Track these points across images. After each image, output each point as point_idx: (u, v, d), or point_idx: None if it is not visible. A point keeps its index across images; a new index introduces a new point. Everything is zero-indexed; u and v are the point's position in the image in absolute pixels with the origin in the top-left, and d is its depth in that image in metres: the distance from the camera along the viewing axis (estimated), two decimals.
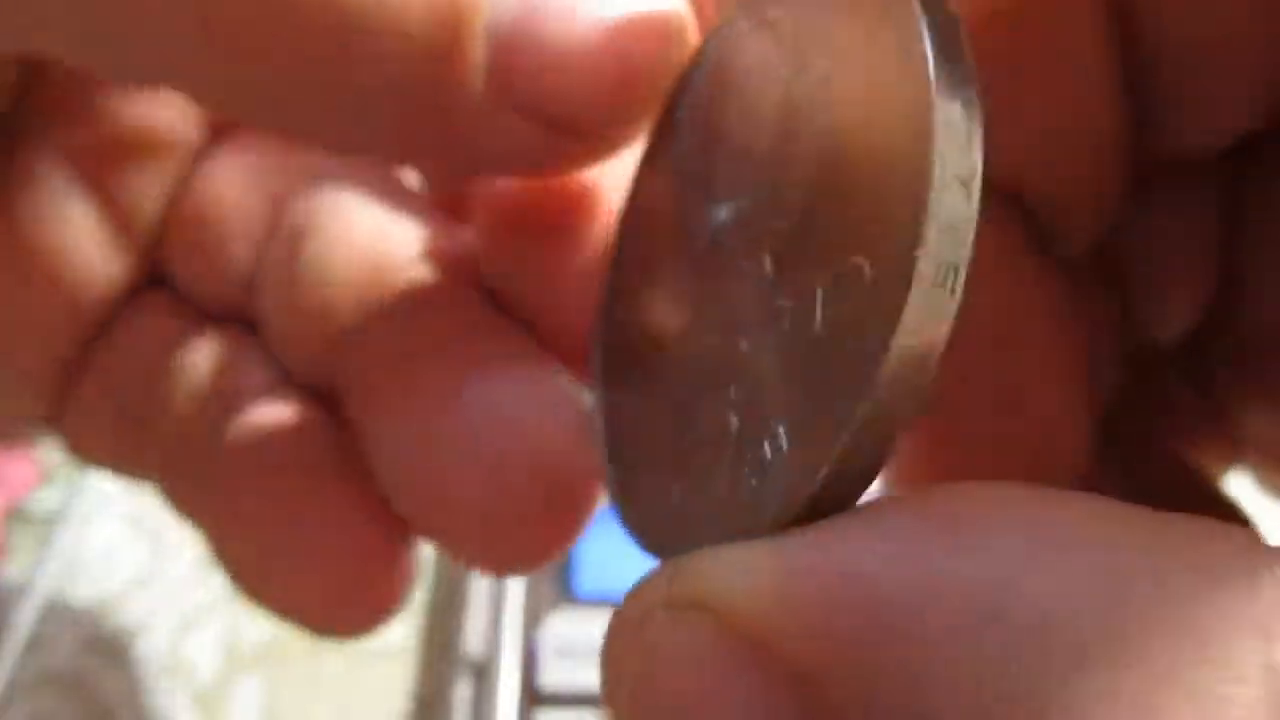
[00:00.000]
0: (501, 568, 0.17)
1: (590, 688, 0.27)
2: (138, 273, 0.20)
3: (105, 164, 0.19)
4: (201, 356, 0.19)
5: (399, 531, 0.17)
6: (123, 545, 0.33)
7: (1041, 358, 0.16)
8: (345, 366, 0.18)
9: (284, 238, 0.19)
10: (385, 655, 0.31)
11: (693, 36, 0.14)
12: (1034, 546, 0.09)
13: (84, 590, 0.32)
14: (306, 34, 0.13)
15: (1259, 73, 0.15)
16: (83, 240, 0.19)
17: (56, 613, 0.32)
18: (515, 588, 0.29)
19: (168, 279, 0.20)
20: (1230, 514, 0.19)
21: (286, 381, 0.19)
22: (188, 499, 0.19)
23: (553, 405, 0.16)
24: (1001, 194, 0.15)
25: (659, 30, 0.14)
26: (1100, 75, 0.15)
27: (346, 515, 0.17)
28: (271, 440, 0.18)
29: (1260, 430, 0.19)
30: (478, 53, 0.13)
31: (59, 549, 0.33)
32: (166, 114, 0.19)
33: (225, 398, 0.19)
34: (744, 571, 0.10)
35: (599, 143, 0.14)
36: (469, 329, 0.17)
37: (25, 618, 0.32)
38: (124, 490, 0.34)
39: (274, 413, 0.18)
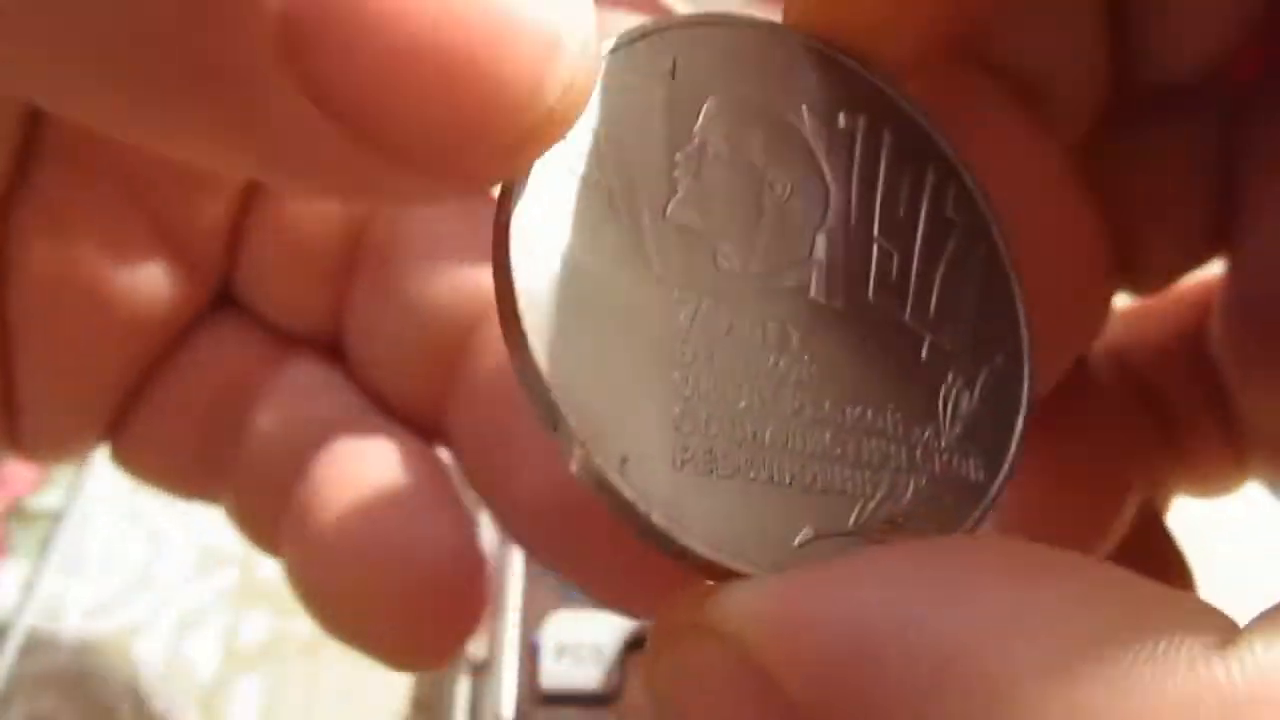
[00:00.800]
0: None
1: (590, 688, 0.27)
2: (204, 293, 0.20)
3: (164, 183, 0.19)
4: (285, 380, 0.19)
5: (481, 562, 0.17)
6: (123, 545, 0.33)
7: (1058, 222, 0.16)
8: (455, 405, 0.18)
9: (372, 261, 0.19)
10: None
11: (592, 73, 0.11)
12: (1009, 616, 0.10)
13: (84, 590, 0.32)
14: None
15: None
16: (143, 261, 0.19)
17: (56, 613, 0.32)
18: (515, 588, 0.29)
19: (241, 300, 0.20)
20: (1169, 552, 0.20)
21: (377, 409, 0.19)
22: (265, 523, 0.19)
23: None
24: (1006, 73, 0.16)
25: (549, 44, 0.10)
26: None
27: (442, 547, 0.17)
28: (369, 469, 0.17)
29: (1269, 421, 0.19)
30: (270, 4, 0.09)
31: (59, 549, 0.33)
32: None
33: (313, 423, 0.18)
34: (756, 606, 0.11)
35: (439, 180, 0.11)
36: None
37: (25, 618, 0.32)
38: (124, 490, 0.34)
39: (371, 443, 0.18)
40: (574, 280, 0.12)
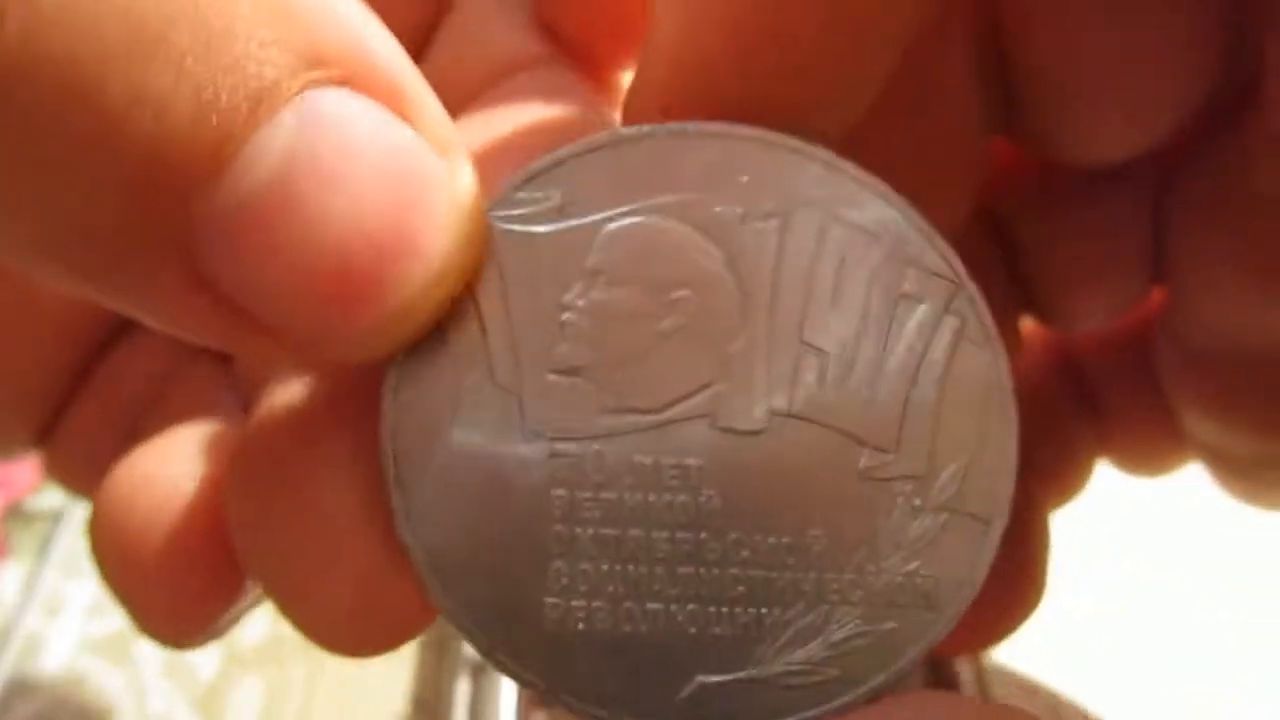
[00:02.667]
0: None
1: None
2: None
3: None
4: (191, 386, 0.19)
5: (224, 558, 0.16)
6: None
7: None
8: None
9: None
10: (385, 655, 0.31)
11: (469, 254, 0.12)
12: None
13: (84, 590, 0.32)
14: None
15: (1129, 104, 0.16)
16: None
17: (56, 613, 0.32)
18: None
19: None
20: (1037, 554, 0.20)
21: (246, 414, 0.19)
22: None
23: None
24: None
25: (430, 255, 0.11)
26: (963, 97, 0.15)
27: (188, 527, 0.16)
28: (168, 465, 0.17)
29: (1206, 434, 0.20)
30: (196, 207, 0.10)
31: (59, 549, 0.33)
32: None
33: (187, 415, 0.18)
34: None
35: (313, 362, 0.13)
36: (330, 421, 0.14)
37: (25, 618, 0.32)
38: None
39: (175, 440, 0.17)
40: (447, 454, 0.12)
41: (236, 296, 0.11)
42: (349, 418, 0.13)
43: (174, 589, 0.16)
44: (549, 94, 0.16)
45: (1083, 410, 0.21)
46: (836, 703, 0.12)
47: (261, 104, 0.10)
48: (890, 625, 0.12)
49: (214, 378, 0.19)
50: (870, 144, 0.13)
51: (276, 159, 0.10)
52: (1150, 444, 0.21)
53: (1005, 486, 0.13)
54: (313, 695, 0.31)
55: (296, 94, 0.10)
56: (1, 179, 0.10)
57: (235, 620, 0.17)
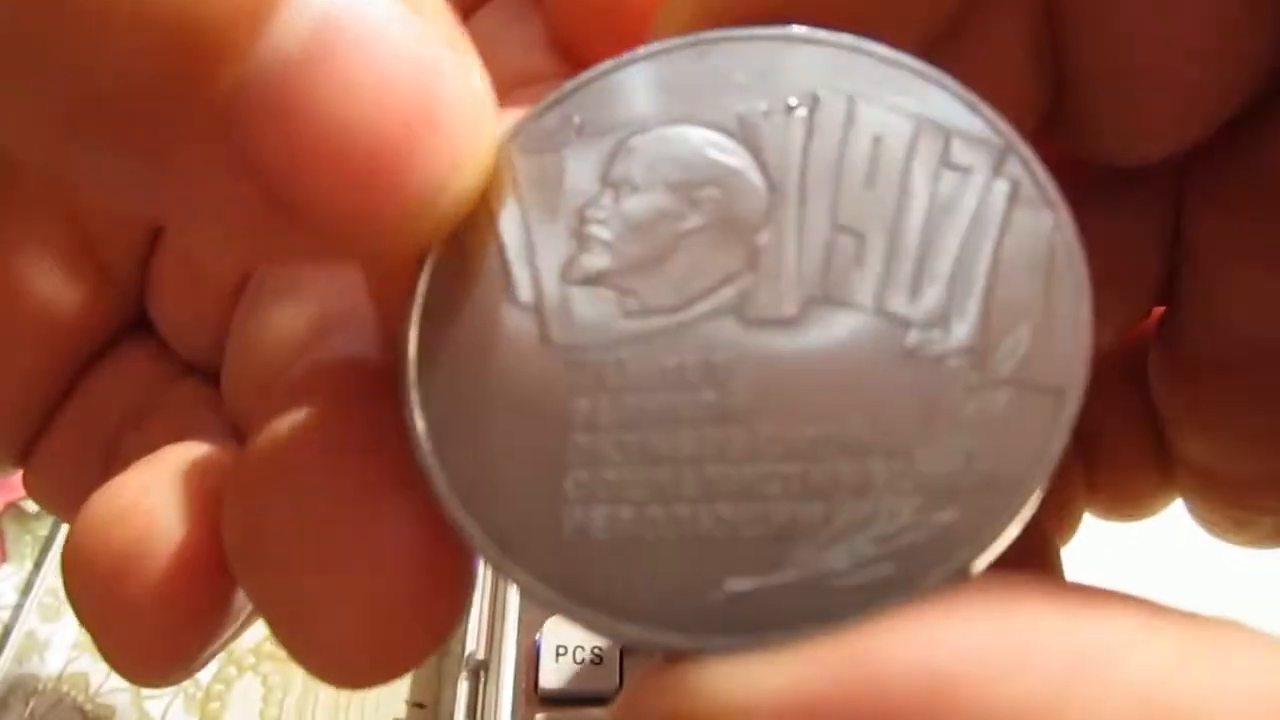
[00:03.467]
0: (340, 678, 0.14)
1: (589, 689, 0.28)
2: (120, 316, 0.19)
3: (86, 212, 0.18)
4: (174, 408, 0.19)
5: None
6: None
7: None
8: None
9: (249, 291, 0.18)
10: None
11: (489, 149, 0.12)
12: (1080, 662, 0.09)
13: None
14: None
15: (1183, 95, 0.15)
16: (61, 282, 0.18)
17: (56, 613, 0.32)
18: (515, 590, 0.29)
19: (153, 325, 0.20)
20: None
21: (233, 438, 0.18)
22: None
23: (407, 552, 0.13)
24: None
25: (467, 133, 0.11)
26: (1023, 84, 0.15)
27: (172, 556, 0.15)
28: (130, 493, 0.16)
29: (1201, 454, 0.20)
30: (230, 77, 0.10)
31: (58, 549, 0.33)
32: None
33: (172, 437, 0.17)
34: (746, 695, 0.10)
35: (335, 251, 0.12)
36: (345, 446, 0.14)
37: (24, 618, 0.32)
38: None
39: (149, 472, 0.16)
40: (466, 356, 0.12)
41: (269, 173, 0.11)
42: (362, 429, 0.13)
43: (149, 629, 0.15)
44: None
45: (1076, 451, 0.21)
46: (890, 604, 0.10)
47: None
48: (949, 515, 0.11)
49: (198, 400, 0.19)
50: None
51: (310, 26, 0.10)
52: (1137, 480, 0.21)
53: (1080, 353, 0.11)
54: (312, 695, 0.31)
55: None
56: (38, 57, 0.10)
57: (208, 661, 0.16)
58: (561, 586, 0.11)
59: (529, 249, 0.12)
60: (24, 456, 0.20)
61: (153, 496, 0.15)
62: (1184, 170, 0.17)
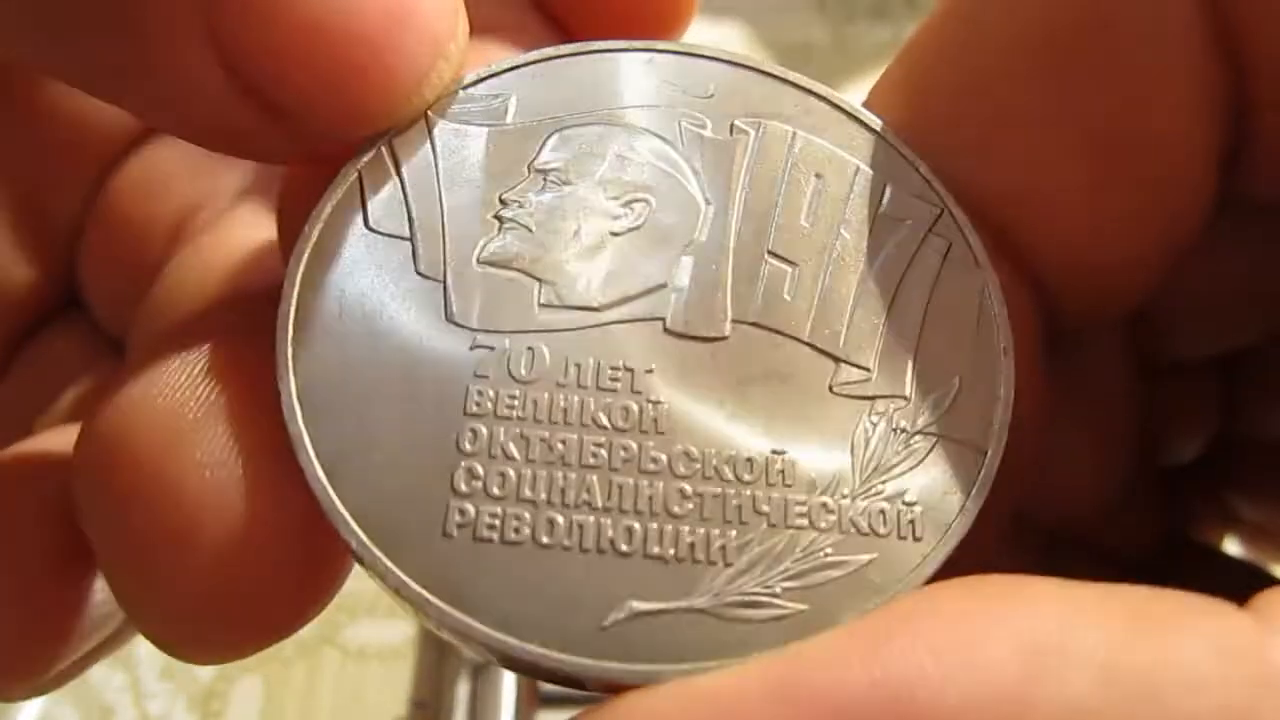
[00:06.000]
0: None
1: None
2: (54, 290, 0.19)
3: (19, 178, 0.18)
4: (95, 383, 0.18)
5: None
6: None
7: None
8: None
9: (163, 278, 0.18)
10: (385, 655, 0.31)
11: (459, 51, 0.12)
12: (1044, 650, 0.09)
13: None
14: None
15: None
16: (5, 253, 0.18)
17: None
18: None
19: (84, 302, 0.19)
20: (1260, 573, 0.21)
21: None
22: None
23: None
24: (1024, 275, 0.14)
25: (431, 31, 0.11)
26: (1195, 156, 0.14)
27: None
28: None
29: (1250, 519, 0.21)
30: None
31: None
32: (83, 122, 0.18)
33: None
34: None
35: (311, 135, 0.12)
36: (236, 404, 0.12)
37: None
38: None
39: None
40: (352, 321, 0.11)
41: (249, 65, 0.11)
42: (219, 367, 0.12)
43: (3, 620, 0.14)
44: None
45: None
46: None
47: None
48: (868, 557, 0.11)
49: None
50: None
51: None
52: (1205, 528, 0.22)
53: (1000, 416, 0.11)
54: (312, 695, 0.31)
55: None
56: None
57: (75, 673, 0.15)
58: (436, 586, 0.10)
59: (440, 219, 0.12)
60: None
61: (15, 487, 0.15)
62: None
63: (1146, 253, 0.13)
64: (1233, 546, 0.23)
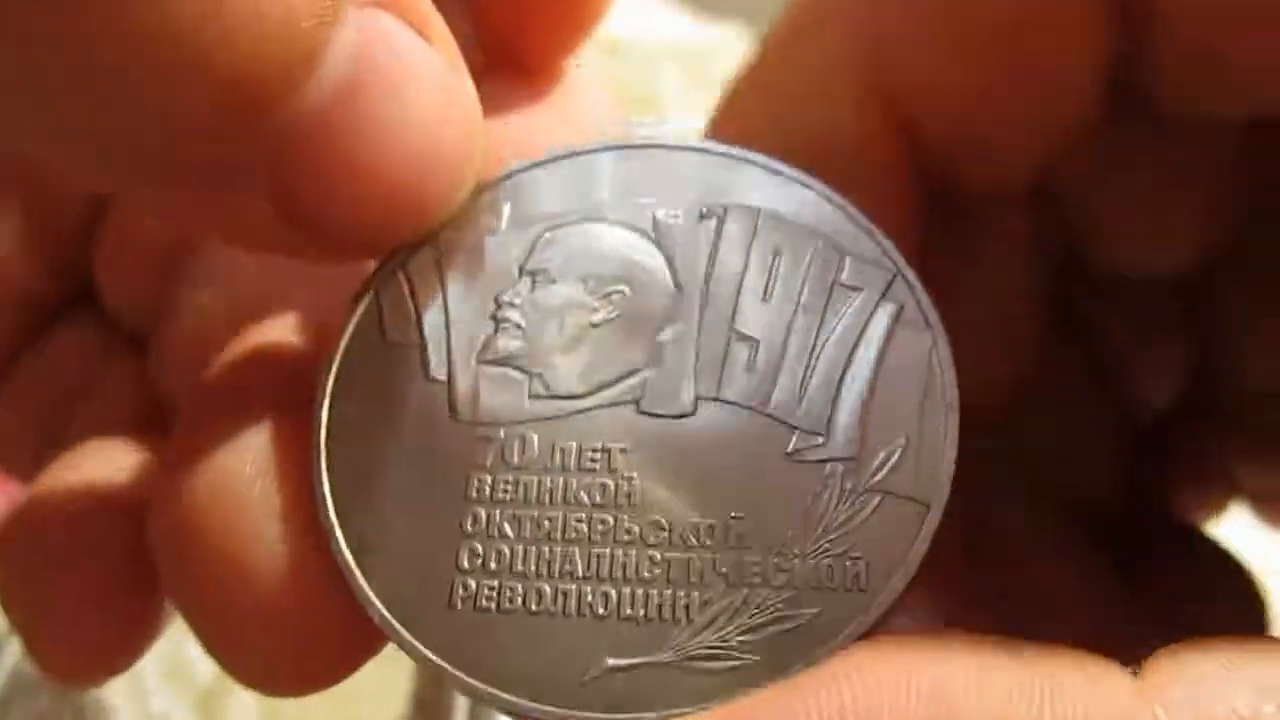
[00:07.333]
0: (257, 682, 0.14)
1: None
2: (66, 287, 0.20)
3: (31, 174, 0.19)
4: (105, 391, 0.19)
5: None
6: None
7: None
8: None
9: (185, 270, 0.18)
10: (385, 655, 0.31)
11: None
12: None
13: None
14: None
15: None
16: (9, 253, 0.19)
17: None
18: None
19: (97, 294, 0.20)
20: (1228, 563, 0.20)
21: (157, 413, 0.18)
22: None
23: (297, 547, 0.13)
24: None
25: (453, 170, 0.13)
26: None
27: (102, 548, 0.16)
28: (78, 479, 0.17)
29: (1250, 478, 0.21)
30: (278, 120, 0.11)
31: None
32: None
33: (103, 422, 0.18)
34: None
35: (347, 251, 0.13)
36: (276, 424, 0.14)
37: None
38: None
39: (93, 450, 0.17)
40: (375, 423, 0.13)
41: (299, 199, 0.12)
42: (271, 445, 0.13)
43: (81, 630, 0.16)
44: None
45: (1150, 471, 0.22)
46: (756, 690, 0.11)
47: (332, 14, 0.11)
48: (815, 610, 0.12)
49: (130, 381, 0.19)
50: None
51: (344, 71, 0.11)
52: (1206, 494, 0.22)
53: (944, 470, 0.12)
54: (312, 696, 0.31)
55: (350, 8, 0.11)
56: (105, 102, 0.11)
57: (140, 655, 0.17)
58: (447, 653, 0.12)
59: (445, 327, 0.13)
60: None
61: (84, 499, 0.16)
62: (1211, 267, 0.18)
63: (1031, 137, 0.15)
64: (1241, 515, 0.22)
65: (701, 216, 0.13)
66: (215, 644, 0.14)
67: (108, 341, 0.20)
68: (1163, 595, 0.19)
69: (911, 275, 0.13)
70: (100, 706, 0.30)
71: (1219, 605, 0.20)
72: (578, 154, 0.14)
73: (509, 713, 0.12)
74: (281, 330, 0.16)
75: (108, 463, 0.17)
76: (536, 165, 0.14)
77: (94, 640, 0.16)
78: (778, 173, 0.14)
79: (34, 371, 0.20)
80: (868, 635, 0.12)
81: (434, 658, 0.12)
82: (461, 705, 0.29)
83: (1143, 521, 0.21)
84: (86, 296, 0.20)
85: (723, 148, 0.14)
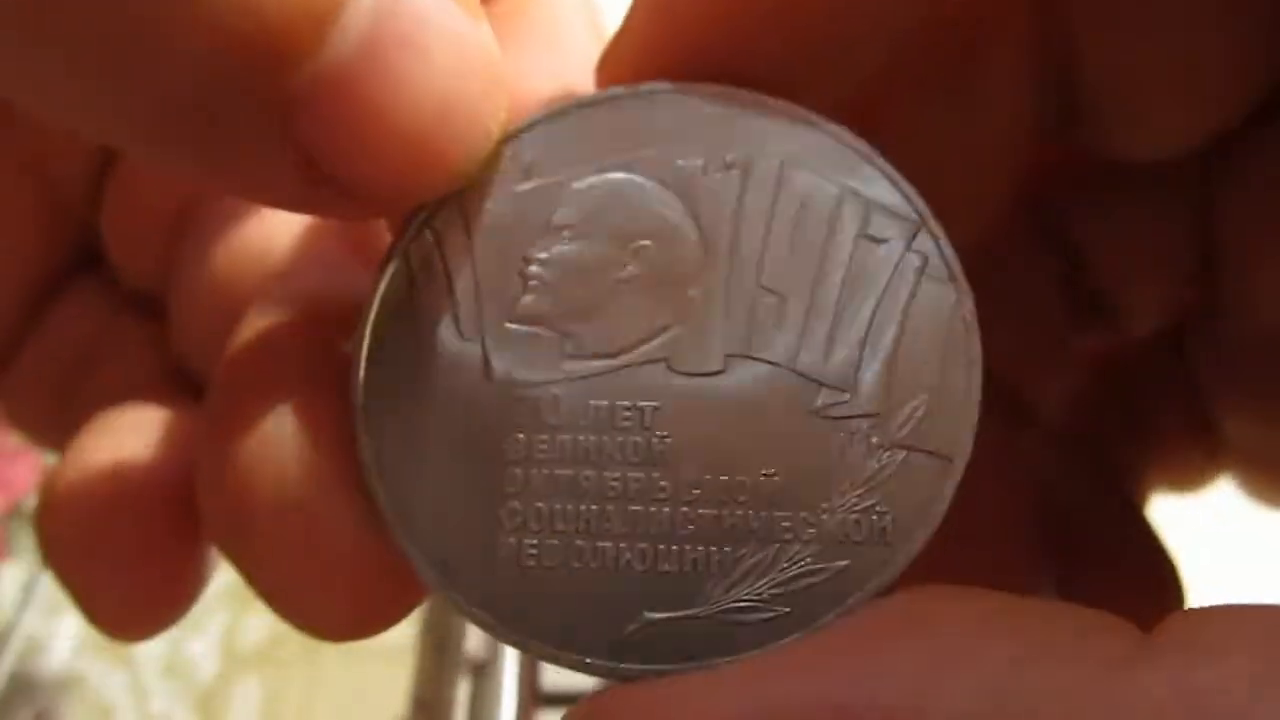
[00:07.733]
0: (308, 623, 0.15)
1: (590, 689, 0.27)
2: (74, 248, 0.20)
3: (39, 142, 0.19)
4: (122, 349, 0.19)
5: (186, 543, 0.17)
6: None
7: None
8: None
9: (193, 223, 0.19)
10: (385, 655, 0.31)
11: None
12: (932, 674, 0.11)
13: None
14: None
15: (1190, 99, 0.16)
16: (17, 215, 0.19)
17: (56, 613, 0.32)
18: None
19: (105, 256, 0.20)
20: (1159, 552, 0.20)
21: (176, 373, 0.19)
22: None
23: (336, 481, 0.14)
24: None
25: (476, 125, 0.13)
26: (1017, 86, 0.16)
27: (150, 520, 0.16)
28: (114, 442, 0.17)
29: (1241, 431, 0.20)
30: (302, 76, 0.11)
31: None
32: None
33: (123, 385, 0.18)
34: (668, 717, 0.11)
35: (371, 207, 0.13)
36: (305, 372, 0.15)
37: (25, 618, 0.32)
38: None
39: (127, 417, 0.18)
40: (410, 385, 0.13)
41: (322, 157, 0.12)
42: (312, 407, 0.14)
43: (132, 585, 0.16)
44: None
45: (1129, 434, 0.22)
46: (787, 640, 0.12)
47: None
48: (843, 563, 0.12)
49: (145, 341, 0.19)
50: (908, 133, 0.14)
51: (365, 25, 0.11)
52: (1188, 459, 0.22)
53: (967, 424, 0.13)
54: (312, 695, 0.31)
55: None
56: (118, 60, 0.11)
57: (189, 607, 0.17)
58: (494, 609, 0.12)
59: (474, 285, 0.13)
60: None
61: (124, 452, 0.17)
62: (1210, 163, 0.17)
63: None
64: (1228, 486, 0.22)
65: (726, 166, 0.13)
66: (274, 597, 0.14)
67: (119, 304, 0.20)
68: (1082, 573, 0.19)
69: (935, 226, 0.13)
70: (100, 706, 0.30)
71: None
72: (594, 103, 0.14)
73: (555, 661, 0.12)
74: (307, 286, 0.16)
75: (144, 424, 0.17)
76: (556, 115, 0.14)
77: (144, 592, 0.16)
78: (801, 121, 0.13)
79: (47, 336, 0.20)
80: (892, 587, 0.12)
81: (480, 612, 0.12)
82: (461, 705, 0.29)
83: (1078, 488, 0.20)
84: (95, 259, 0.20)
85: (755, 95, 0.13)
